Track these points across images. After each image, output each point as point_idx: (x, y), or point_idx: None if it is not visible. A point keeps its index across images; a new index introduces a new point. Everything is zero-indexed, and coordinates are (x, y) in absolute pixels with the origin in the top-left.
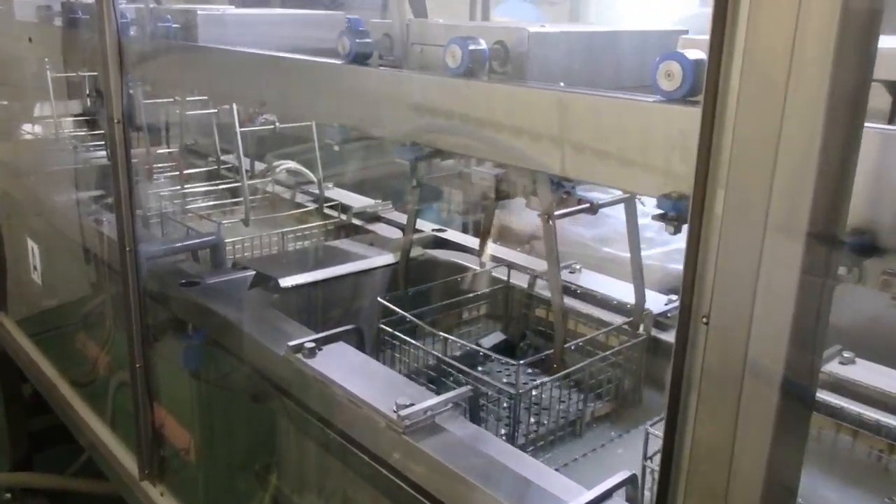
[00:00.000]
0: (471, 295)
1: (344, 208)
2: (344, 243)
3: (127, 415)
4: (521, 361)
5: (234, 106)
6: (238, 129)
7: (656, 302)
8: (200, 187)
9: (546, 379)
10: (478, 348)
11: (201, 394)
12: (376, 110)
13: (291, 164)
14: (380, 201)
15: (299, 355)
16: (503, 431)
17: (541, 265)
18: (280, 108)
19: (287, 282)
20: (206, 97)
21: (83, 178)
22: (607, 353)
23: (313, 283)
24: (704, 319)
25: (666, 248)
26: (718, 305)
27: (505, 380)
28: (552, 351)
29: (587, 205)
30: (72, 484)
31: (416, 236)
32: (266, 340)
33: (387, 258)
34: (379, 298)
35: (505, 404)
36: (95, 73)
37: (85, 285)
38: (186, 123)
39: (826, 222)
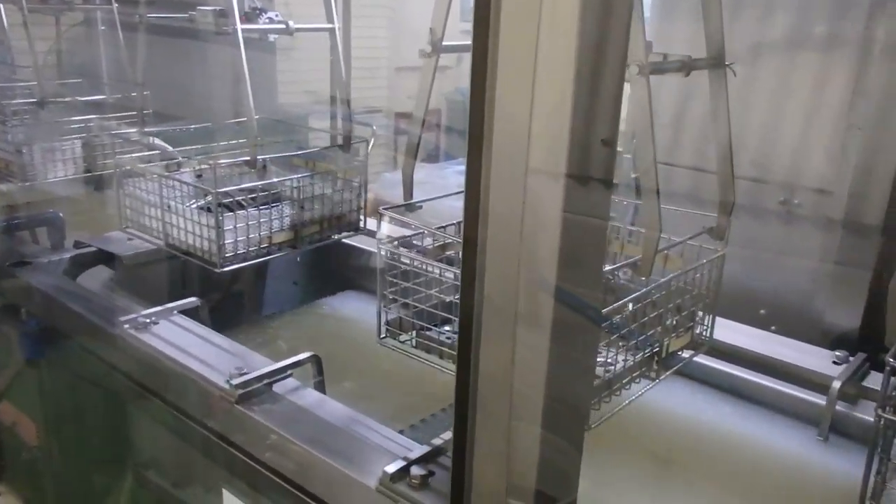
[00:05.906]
0: None
1: None
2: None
3: None
4: (611, 267)
5: None
6: (239, 27)
7: None
8: None
9: (636, 293)
10: None
11: (42, 383)
12: None
13: None
14: None
15: (132, 330)
16: None
17: None
18: None
19: (130, 259)
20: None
21: None
22: (689, 269)
23: (156, 260)
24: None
25: None
26: (494, 234)
27: None
28: (639, 258)
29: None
30: None
31: None
32: (99, 319)
33: None
34: (381, 209)
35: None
36: None
37: None
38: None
39: (580, 165)
